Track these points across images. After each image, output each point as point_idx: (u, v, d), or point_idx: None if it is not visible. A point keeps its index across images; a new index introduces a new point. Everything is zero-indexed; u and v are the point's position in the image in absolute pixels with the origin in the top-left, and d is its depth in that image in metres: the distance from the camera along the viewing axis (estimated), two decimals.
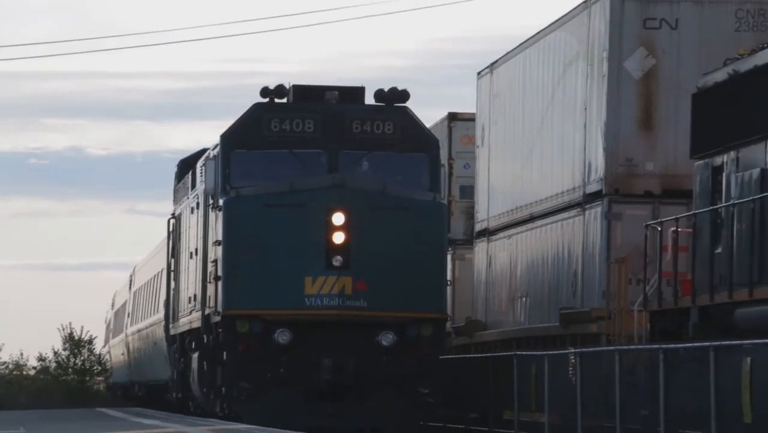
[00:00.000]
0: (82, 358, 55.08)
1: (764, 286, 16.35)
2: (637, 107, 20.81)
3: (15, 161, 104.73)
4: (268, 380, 19.58)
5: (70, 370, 54.81)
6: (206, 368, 22.33)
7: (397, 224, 19.96)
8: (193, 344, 24.80)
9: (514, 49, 28.23)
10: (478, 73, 30.03)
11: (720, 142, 18.36)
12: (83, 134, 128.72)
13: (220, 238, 20.33)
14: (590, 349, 20.54)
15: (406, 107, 21.03)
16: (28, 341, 69.60)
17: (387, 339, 19.47)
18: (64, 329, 54.45)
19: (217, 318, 20.48)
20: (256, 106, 20.71)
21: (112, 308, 53.75)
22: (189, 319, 24.84)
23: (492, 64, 29.62)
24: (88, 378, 55.73)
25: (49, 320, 64.77)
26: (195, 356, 24.23)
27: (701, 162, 19.21)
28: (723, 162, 18.44)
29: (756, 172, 16.84)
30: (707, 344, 16.23)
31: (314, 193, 19.77)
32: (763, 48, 17.78)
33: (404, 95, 20.73)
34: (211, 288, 21.01)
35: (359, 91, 20.92)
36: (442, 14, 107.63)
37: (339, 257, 19.35)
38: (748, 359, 15.11)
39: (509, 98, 24.95)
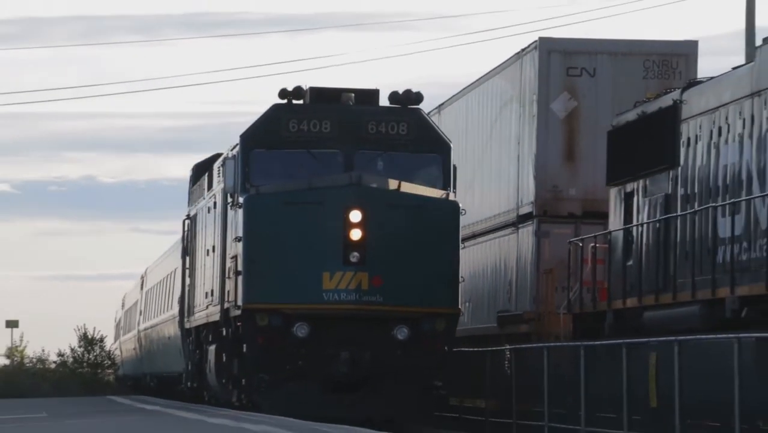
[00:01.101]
0: (94, 354, 58.48)
1: (667, 292, 18.36)
2: (561, 142, 22.56)
3: (38, 189, 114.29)
4: (287, 372, 19.22)
5: (84, 364, 58.37)
6: (224, 359, 22.02)
7: (412, 222, 19.55)
8: (210, 336, 24.42)
9: (459, 92, 29.61)
10: (428, 114, 31.81)
11: (631, 172, 20.19)
12: (95, 165, 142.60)
13: (240, 234, 19.87)
14: (523, 346, 21.73)
15: (419, 109, 20.71)
16: (49, 339, 74.31)
17: (402, 333, 19.07)
18: (79, 330, 58.20)
19: (237, 312, 20.09)
20: (275, 107, 20.30)
21: (122, 308, 55.44)
22: (206, 313, 24.44)
23: (440, 105, 30.61)
24: (99, 371, 59.11)
25: (67, 322, 70.11)
26: (212, 348, 23.86)
27: (615, 188, 20.96)
28: (633, 189, 20.23)
29: (661, 196, 18.98)
30: (620, 341, 18.38)
31: (332, 191, 19.33)
32: (666, 93, 19.82)
33: (418, 97, 20.47)
34: (230, 283, 20.69)
35: (374, 94, 20.45)
36: (397, 63, 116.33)
37: (356, 253, 18.92)
38: (654, 354, 16.73)
39: (454, 134, 25.33)
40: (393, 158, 19.91)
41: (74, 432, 18.53)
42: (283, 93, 19.93)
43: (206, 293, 24.32)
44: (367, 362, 19.13)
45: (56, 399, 41.91)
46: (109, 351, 59.66)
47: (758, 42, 19.24)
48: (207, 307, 24.16)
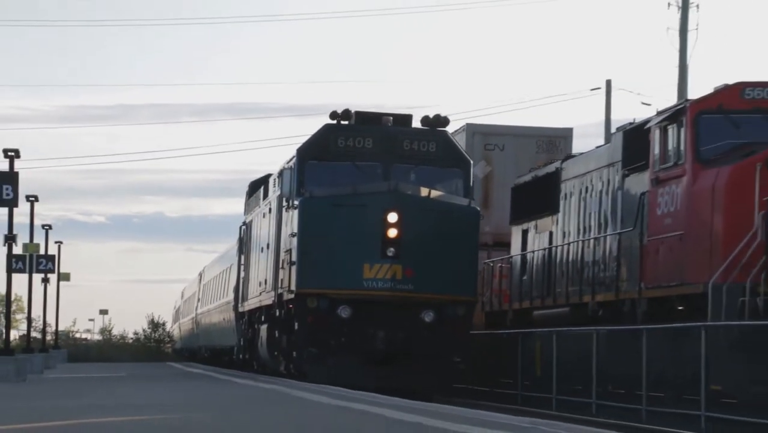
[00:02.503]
0: (158, 333, 72.63)
1: (549, 298, 22.08)
2: (481, 195, 25.47)
3: (124, 220, 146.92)
4: (332, 347, 19.15)
5: (151, 340, 72.34)
6: (277, 336, 21.81)
7: (440, 224, 19.48)
8: (263, 318, 24.34)
9: None
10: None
11: (527, 216, 23.91)
12: (163, 205, 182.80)
13: (295, 230, 19.69)
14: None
15: (446, 131, 20.63)
16: (128, 323, 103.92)
17: (428, 316, 19.17)
18: (148, 317, 73.59)
19: (291, 296, 19.85)
20: (326, 127, 20.29)
21: (182, 299, 62.16)
22: (259, 299, 24.66)
23: None
24: (161, 345, 71.07)
25: (140, 311, 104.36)
26: (264, 327, 23.80)
27: (516, 226, 24.69)
28: (528, 227, 23.97)
29: (546, 233, 22.80)
30: (517, 331, 22.38)
31: (373, 196, 19.30)
32: (551, 162, 23.58)
33: (445, 121, 20.49)
34: (284, 273, 20.63)
35: (408, 118, 20.74)
36: None
37: (392, 249, 19.05)
38: (539, 342, 20.70)
39: None
40: (424, 171, 20.13)
41: (147, 386, 21.68)
42: (333, 115, 20.17)
43: (260, 282, 24.70)
44: (399, 341, 19.12)
45: (132, 364, 50.72)
46: (168, 331, 71.53)
47: (613, 130, 24.78)
48: (260, 294, 24.48)
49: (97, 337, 79.90)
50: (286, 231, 20.83)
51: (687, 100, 19.06)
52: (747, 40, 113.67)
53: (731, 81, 16.90)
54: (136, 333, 74.00)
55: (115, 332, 76.53)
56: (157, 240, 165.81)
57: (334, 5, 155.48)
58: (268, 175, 25.82)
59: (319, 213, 19.51)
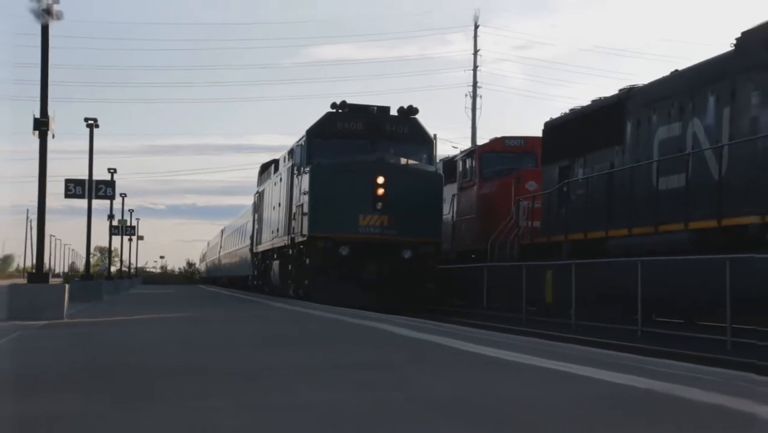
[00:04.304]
0: (191, 269, 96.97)
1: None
2: None
3: (174, 208, 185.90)
4: (334, 276, 20.14)
5: (187, 273, 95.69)
6: (290, 268, 23.15)
7: (413, 185, 20.59)
8: (274, 256, 25.89)
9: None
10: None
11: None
12: (196, 199, 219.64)
13: (306, 190, 20.50)
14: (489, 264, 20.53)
15: (416, 118, 21.63)
16: (174, 263, 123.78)
17: (407, 254, 20.48)
18: (186, 260, 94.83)
19: (303, 238, 20.57)
20: (328, 114, 21.38)
21: (207, 247, 79.26)
22: (272, 242, 26.24)
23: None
24: (193, 275, 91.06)
25: (182, 257, 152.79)
26: (275, 262, 25.48)
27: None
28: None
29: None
30: (541, 264, 18.42)
31: (365, 164, 20.36)
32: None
33: (415, 110, 21.63)
34: (296, 222, 21.78)
35: (388, 108, 21.88)
36: None
37: (380, 203, 20.44)
38: (550, 272, 17.52)
39: None
40: (400, 147, 21.43)
41: (184, 294, 30.54)
42: (333, 105, 21.33)
43: (272, 231, 26.30)
44: (385, 272, 20.03)
45: (173, 285, 65.70)
46: (197, 268, 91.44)
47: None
48: (273, 239, 26.01)
49: (158, 270, 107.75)
50: (297, 192, 21.59)
51: (476, 145, 26.33)
52: (512, 108, 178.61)
53: (499, 134, 23.78)
54: (179, 268, 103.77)
55: (168, 266, 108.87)
56: (193, 218, 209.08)
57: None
58: (275, 159, 28.27)
59: (325, 177, 20.47)
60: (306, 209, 20.54)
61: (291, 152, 23.22)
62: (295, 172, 22.14)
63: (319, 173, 20.62)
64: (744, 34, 13.91)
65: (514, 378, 5.79)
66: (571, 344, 10.31)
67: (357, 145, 21.34)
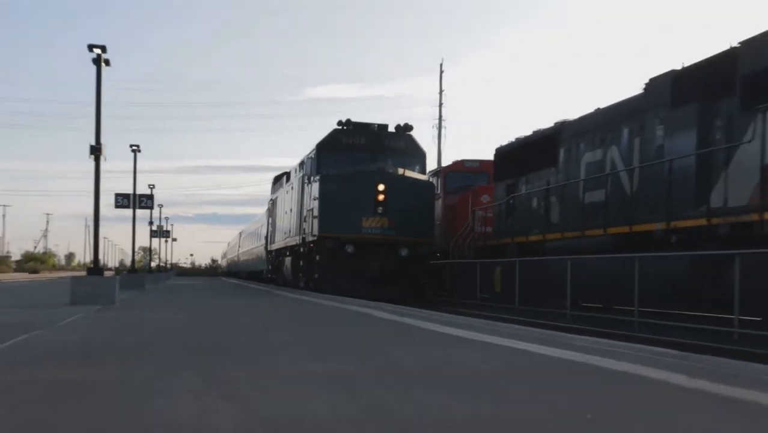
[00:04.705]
0: (214, 264, 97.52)
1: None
2: None
3: (201, 216, 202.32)
4: (341, 271, 19.30)
5: (210, 267, 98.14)
6: (301, 264, 22.22)
7: (410, 192, 19.71)
8: (286, 253, 24.94)
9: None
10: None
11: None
12: (218, 209, 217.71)
13: (316, 196, 19.73)
14: (461, 261, 20.12)
15: (410, 134, 20.86)
16: (201, 260, 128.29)
17: (404, 252, 19.47)
18: (211, 258, 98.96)
19: (313, 238, 19.78)
20: (335, 130, 20.62)
21: (228, 246, 77.58)
22: (284, 242, 25.26)
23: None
24: (216, 270, 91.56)
25: (207, 254, 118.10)
26: (288, 258, 24.64)
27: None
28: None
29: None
30: (491, 261, 18.38)
31: (367, 174, 19.57)
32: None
33: (410, 128, 20.80)
34: (306, 224, 20.92)
35: (386, 125, 20.97)
36: None
37: (380, 208, 19.51)
38: (499, 268, 17.82)
39: None
40: (397, 159, 20.67)
41: (210, 285, 29.15)
42: (339, 123, 20.70)
43: (284, 232, 25.26)
44: (385, 268, 19.34)
45: (200, 277, 65.06)
46: (219, 263, 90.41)
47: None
48: (285, 239, 25.02)
49: (189, 265, 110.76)
50: (308, 198, 20.90)
51: (441, 167, 26.52)
52: (471, 134, 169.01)
53: (459, 157, 23.53)
54: (205, 264, 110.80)
55: (197, 262, 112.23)
56: (214, 224, 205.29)
57: None
58: (286, 172, 27.49)
59: (332, 185, 19.63)
60: (316, 213, 19.80)
61: (302, 164, 22.61)
62: (306, 181, 21.51)
63: (328, 182, 19.80)
64: (651, 79, 14.35)
65: (468, 351, 6.33)
66: (515, 324, 10.71)
67: (360, 158, 20.58)
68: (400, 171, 20.06)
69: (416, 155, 20.87)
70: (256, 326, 9.27)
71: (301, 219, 21.79)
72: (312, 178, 20.54)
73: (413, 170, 20.45)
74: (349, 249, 19.27)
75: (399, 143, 20.75)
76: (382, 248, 19.28)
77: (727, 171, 11.93)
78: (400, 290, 19.10)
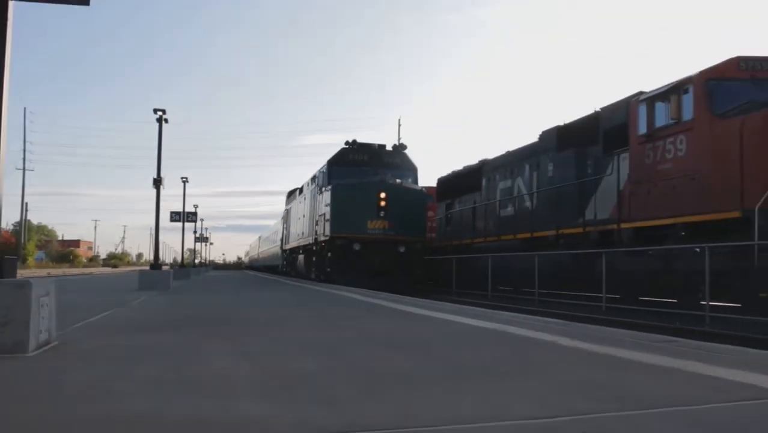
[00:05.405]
0: (239, 261, 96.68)
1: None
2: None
3: (232, 226, 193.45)
4: (349, 266, 17.66)
5: (236, 263, 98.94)
6: (314, 260, 20.43)
7: (407, 199, 18.16)
8: (300, 251, 23.20)
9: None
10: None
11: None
12: (243, 222, 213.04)
13: (328, 202, 18.26)
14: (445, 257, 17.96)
15: (405, 152, 19.60)
16: (230, 257, 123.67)
17: (402, 249, 17.83)
18: (237, 256, 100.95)
19: (325, 238, 18.34)
20: (343, 148, 19.36)
21: (250, 247, 74.30)
22: (298, 242, 23.45)
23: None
24: (239, 265, 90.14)
25: (234, 253, 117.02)
26: (301, 256, 22.94)
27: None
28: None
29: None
30: (452, 257, 18.16)
31: (371, 184, 18.07)
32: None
33: (405, 147, 19.66)
34: (318, 227, 19.44)
35: (385, 145, 19.58)
36: None
37: (382, 212, 17.84)
38: (453, 261, 17.47)
39: None
40: (395, 172, 19.11)
41: (238, 277, 27.94)
42: (346, 143, 19.44)
43: (298, 234, 23.49)
44: (386, 262, 17.84)
45: (227, 270, 62.07)
46: (243, 260, 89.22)
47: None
48: (298, 239, 23.31)
49: (221, 262, 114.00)
50: (320, 205, 19.65)
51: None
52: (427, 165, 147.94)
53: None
54: (233, 260, 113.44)
55: (227, 258, 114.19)
56: (240, 232, 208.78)
57: None
58: (297, 187, 25.88)
59: (342, 193, 18.28)
60: (328, 217, 18.44)
61: (314, 178, 21.37)
62: (318, 191, 20.25)
63: (338, 190, 18.37)
64: (543, 132, 15.55)
65: (424, 324, 6.62)
66: (451, 303, 11.14)
67: (364, 171, 19.10)
68: (398, 182, 18.93)
69: (410, 169, 19.72)
70: (275, 304, 9.50)
71: (314, 223, 20.65)
72: (324, 188, 19.39)
73: (407, 181, 19.42)
74: (356, 247, 17.85)
75: (395, 159, 19.55)
76: (384, 245, 17.98)
77: (596, 195, 13.33)
78: (398, 280, 17.86)
